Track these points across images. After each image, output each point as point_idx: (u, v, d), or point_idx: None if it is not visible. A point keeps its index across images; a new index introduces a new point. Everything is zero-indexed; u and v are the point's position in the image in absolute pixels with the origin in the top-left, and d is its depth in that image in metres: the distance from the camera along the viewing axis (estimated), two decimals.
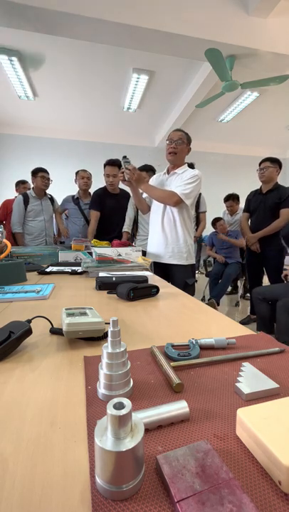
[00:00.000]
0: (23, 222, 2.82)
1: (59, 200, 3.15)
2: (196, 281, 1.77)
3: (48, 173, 2.87)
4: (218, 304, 3.33)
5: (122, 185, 2.58)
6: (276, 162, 2.60)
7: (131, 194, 1.83)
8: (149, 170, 2.54)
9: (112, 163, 2.43)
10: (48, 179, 2.87)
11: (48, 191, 2.98)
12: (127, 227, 2.55)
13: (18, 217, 2.78)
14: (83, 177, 2.88)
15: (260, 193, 2.71)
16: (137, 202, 1.84)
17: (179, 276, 1.68)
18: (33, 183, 2.90)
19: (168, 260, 1.70)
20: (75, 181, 2.99)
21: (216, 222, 3.69)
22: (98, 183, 2.55)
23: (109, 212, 2.53)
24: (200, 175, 1.62)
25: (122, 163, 1.64)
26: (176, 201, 1.59)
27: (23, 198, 2.81)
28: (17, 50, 3.63)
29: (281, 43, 3.18)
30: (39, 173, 2.81)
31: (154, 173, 2.37)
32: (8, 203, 3.34)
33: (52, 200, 3.04)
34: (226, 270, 3.43)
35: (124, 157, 1.65)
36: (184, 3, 2.86)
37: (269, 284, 2.70)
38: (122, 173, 1.62)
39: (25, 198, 2.81)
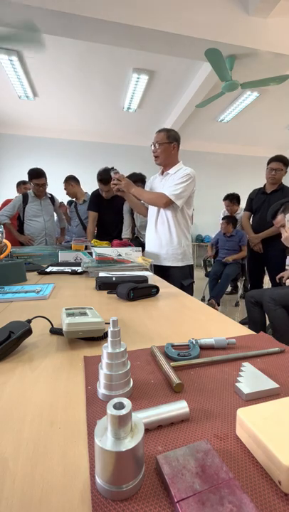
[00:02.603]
0: (22, 220, 2.86)
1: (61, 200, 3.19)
2: (194, 282, 1.76)
3: (40, 178, 2.77)
4: (219, 304, 3.33)
5: None
6: (287, 164, 2.53)
7: (128, 200, 1.83)
8: (139, 180, 2.49)
9: (104, 181, 2.38)
10: (42, 185, 2.80)
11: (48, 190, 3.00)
12: (127, 234, 2.55)
13: (8, 212, 2.78)
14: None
15: (264, 192, 2.65)
16: (133, 207, 1.85)
17: (175, 277, 1.68)
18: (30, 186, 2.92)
19: (163, 262, 1.71)
20: None
21: (227, 221, 3.57)
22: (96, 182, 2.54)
23: (107, 214, 2.53)
24: (192, 173, 1.62)
25: (111, 174, 1.66)
26: (166, 202, 1.59)
27: (22, 197, 2.83)
28: (17, 50, 3.63)
29: (281, 43, 3.18)
30: (32, 180, 2.76)
31: (144, 183, 2.36)
32: (8, 203, 3.36)
33: (52, 199, 3.03)
34: (224, 270, 3.42)
35: (112, 168, 1.68)
36: (184, 3, 2.86)
37: (270, 284, 2.70)
38: (114, 182, 1.65)
39: (25, 198, 2.83)
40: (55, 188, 3.54)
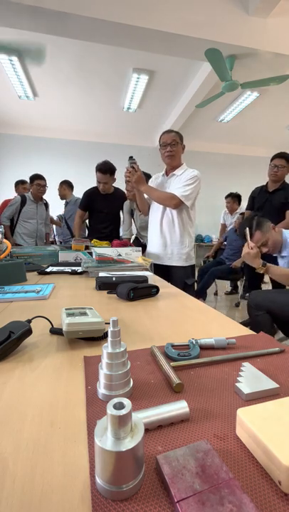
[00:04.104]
0: (15, 220, 3.01)
1: (57, 203, 3.37)
2: (196, 281, 1.77)
3: (44, 180, 3.03)
4: (205, 298, 3.35)
5: (117, 184, 2.59)
6: None
7: (136, 195, 1.82)
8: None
9: (102, 171, 2.36)
10: (44, 186, 3.02)
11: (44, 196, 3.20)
12: (127, 234, 2.58)
13: (10, 214, 2.97)
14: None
15: (266, 190, 2.60)
16: (139, 203, 1.84)
17: (178, 276, 1.68)
18: (30, 188, 3.06)
19: (167, 262, 1.71)
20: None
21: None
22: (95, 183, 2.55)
23: (101, 212, 2.53)
24: (199, 175, 1.63)
25: (128, 163, 1.64)
26: (176, 203, 1.60)
27: (21, 199, 2.98)
28: (17, 50, 3.63)
29: (281, 43, 3.18)
30: (35, 180, 2.97)
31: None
32: (8, 203, 3.39)
33: (46, 205, 3.23)
34: (215, 267, 3.42)
35: (131, 157, 1.66)
36: (184, 3, 2.86)
37: (271, 283, 2.69)
38: (127, 173, 1.64)
39: (23, 200, 3.00)
40: (55, 188, 3.59)
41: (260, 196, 2.67)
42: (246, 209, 2.89)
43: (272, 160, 2.52)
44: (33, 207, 3.03)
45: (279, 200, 2.49)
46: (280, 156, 2.49)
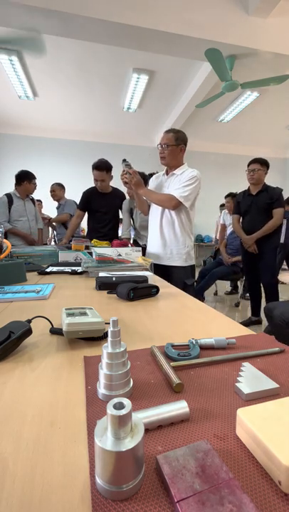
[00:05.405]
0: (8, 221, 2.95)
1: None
2: (196, 281, 1.76)
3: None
4: (204, 299, 3.35)
5: (115, 185, 2.60)
6: (264, 164, 2.63)
7: (134, 196, 1.82)
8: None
9: (99, 168, 2.38)
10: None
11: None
12: (126, 234, 2.59)
13: (5, 217, 2.88)
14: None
15: (250, 194, 2.72)
16: (137, 202, 1.85)
17: (178, 277, 1.68)
18: (21, 186, 2.96)
19: (167, 262, 1.71)
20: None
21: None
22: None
23: (99, 211, 2.53)
24: (199, 176, 1.62)
25: (122, 166, 1.65)
26: (175, 205, 1.60)
27: (7, 198, 2.90)
28: (17, 50, 3.63)
29: (281, 43, 3.18)
30: (32, 179, 2.98)
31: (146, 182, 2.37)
32: None
33: (33, 201, 3.18)
34: (215, 268, 3.42)
35: (124, 160, 1.66)
36: (184, 3, 2.86)
37: (262, 283, 2.72)
38: (124, 175, 1.64)
39: (9, 199, 2.91)
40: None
41: (244, 200, 2.77)
42: (233, 213, 2.97)
43: (248, 166, 2.68)
44: (20, 204, 2.96)
45: (264, 201, 2.60)
46: (254, 161, 2.66)
